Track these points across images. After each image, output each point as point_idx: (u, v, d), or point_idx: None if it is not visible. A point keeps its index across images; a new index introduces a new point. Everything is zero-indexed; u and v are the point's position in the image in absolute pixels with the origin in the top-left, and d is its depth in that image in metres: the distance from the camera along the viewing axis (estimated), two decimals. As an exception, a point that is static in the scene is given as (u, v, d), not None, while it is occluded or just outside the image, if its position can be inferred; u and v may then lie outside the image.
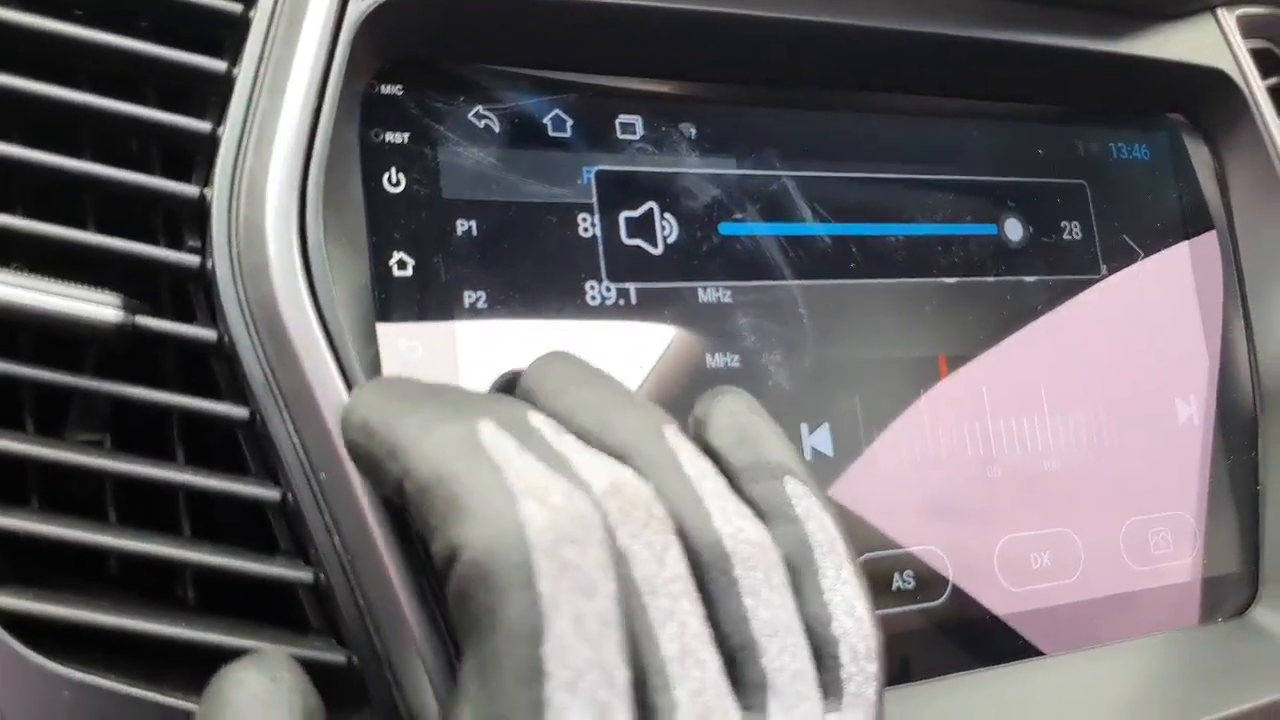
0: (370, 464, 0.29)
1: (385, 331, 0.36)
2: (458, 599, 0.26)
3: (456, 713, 0.25)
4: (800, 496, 0.31)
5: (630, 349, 0.39)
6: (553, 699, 0.24)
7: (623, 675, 0.25)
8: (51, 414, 0.33)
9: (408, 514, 0.28)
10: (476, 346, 0.37)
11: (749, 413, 0.33)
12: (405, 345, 0.36)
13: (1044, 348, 0.48)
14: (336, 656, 0.32)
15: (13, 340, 0.32)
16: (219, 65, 0.34)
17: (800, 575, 0.30)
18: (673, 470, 0.29)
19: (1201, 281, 0.52)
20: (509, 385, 0.36)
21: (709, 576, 0.28)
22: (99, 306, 0.31)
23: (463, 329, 0.37)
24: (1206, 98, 0.53)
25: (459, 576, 0.25)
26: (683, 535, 0.28)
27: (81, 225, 0.33)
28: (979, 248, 0.47)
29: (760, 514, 0.31)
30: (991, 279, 0.47)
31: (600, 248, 0.40)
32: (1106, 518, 0.47)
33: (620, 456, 0.29)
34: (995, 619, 0.44)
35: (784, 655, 0.28)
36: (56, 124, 0.33)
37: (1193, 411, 0.51)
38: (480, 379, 0.37)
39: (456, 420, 0.28)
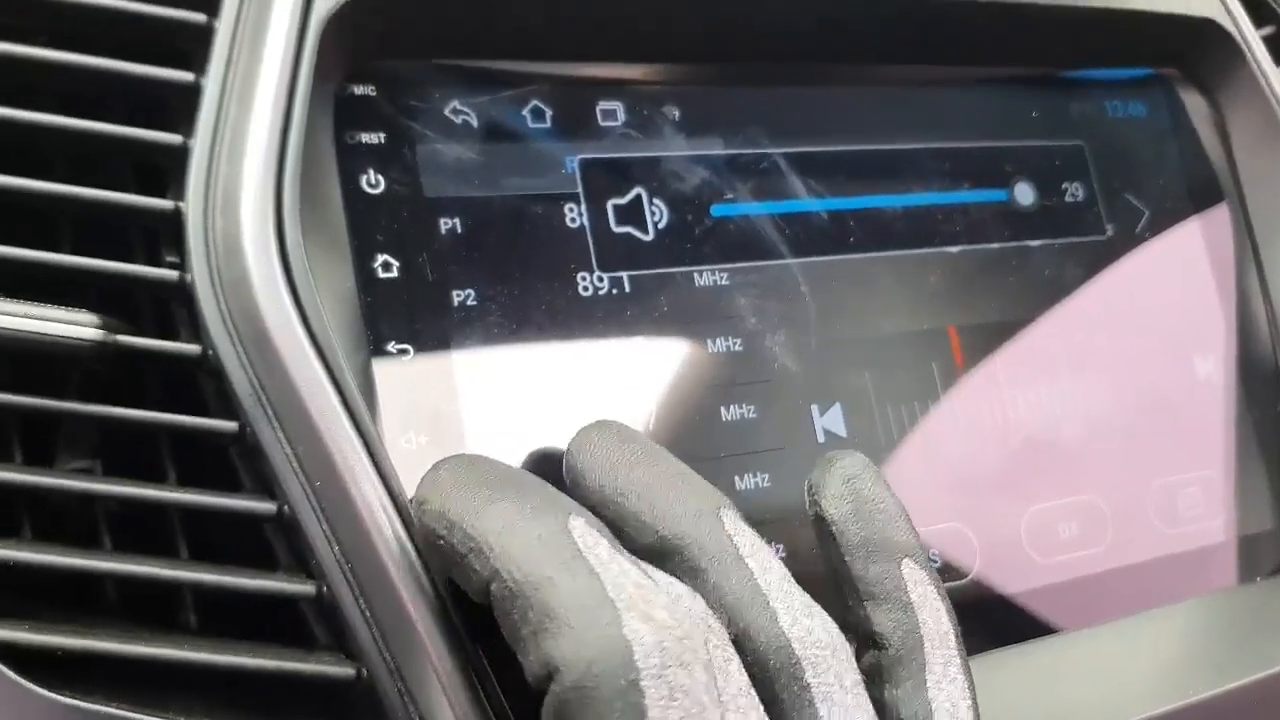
0: (450, 559, 0.27)
1: (374, 335, 0.35)
2: (554, 718, 0.24)
3: None
4: (917, 583, 0.30)
5: (627, 339, 0.39)
6: None
7: None
8: (39, 445, 0.32)
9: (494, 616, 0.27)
10: (469, 346, 0.36)
11: (867, 481, 0.31)
12: (395, 348, 0.35)
13: (1055, 312, 0.47)
14: (345, 670, 0.31)
15: (-6, 370, 0.31)
16: (186, 76, 0.34)
17: (905, 666, 0.29)
18: (733, 562, 0.28)
19: (1210, 235, 0.51)
20: (543, 462, 0.35)
21: (779, 683, 0.26)
22: (77, 327, 0.30)
23: (453, 328, 0.36)
24: (1200, 49, 0.52)
25: (559, 698, 0.24)
26: (746, 636, 0.27)
27: (55, 248, 0.32)
28: (980, 214, 0.46)
29: (869, 596, 0.29)
30: (995, 245, 0.46)
31: (589, 237, 0.39)
32: (1133, 482, 0.46)
33: (674, 547, 0.28)
34: (1027, 592, 0.43)
35: None
36: (24, 146, 0.33)
37: (1211, 368, 0.50)
38: (474, 378, 0.36)
39: (546, 515, 0.26)
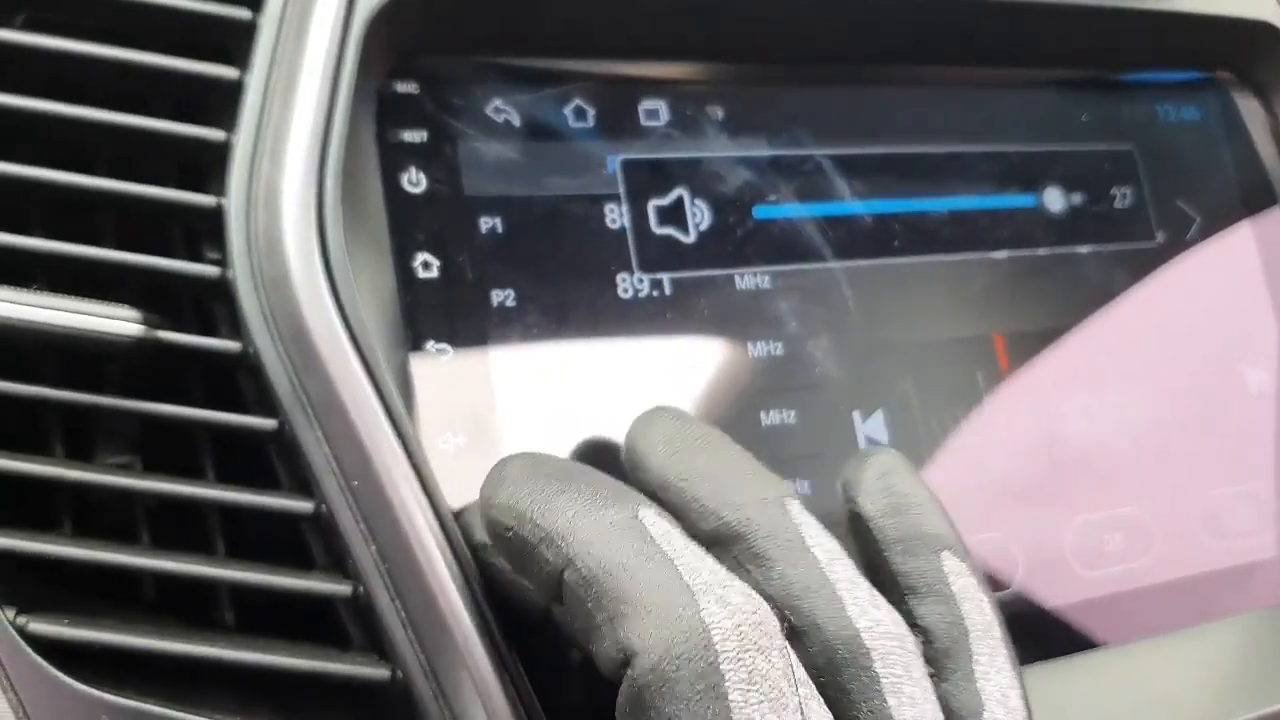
0: (519, 550, 0.27)
1: (413, 334, 0.35)
2: (634, 704, 0.24)
3: None
4: (957, 574, 0.29)
5: (667, 341, 0.38)
6: None
7: None
8: (79, 439, 0.32)
9: (559, 609, 0.27)
10: (508, 346, 0.36)
11: (903, 476, 0.31)
12: (434, 347, 0.35)
13: (1102, 320, 0.46)
14: (380, 671, 0.30)
15: (36, 364, 0.31)
16: (231, 73, 0.34)
17: (952, 659, 0.28)
18: (799, 551, 0.27)
19: (1263, 242, 0.50)
20: (592, 451, 0.35)
21: (847, 674, 0.26)
22: (119, 322, 0.30)
23: (492, 328, 0.36)
24: (1254, 52, 0.51)
25: (637, 682, 0.24)
26: (813, 625, 0.26)
27: (97, 244, 0.32)
28: (1027, 220, 0.45)
29: (910, 589, 0.29)
30: (1043, 251, 0.45)
31: (630, 238, 0.38)
32: (1180, 495, 0.45)
33: (738, 533, 0.27)
34: (1070, 606, 0.42)
35: None
36: (68, 143, 0.33)
37: (1263, 380, 0.48)
38: (512, 379, 0.36)
39: (617, 505, 0.26)
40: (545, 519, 0.26)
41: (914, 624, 0.29)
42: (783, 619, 0.26)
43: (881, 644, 0.26)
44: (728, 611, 0.24)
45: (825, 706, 0.25)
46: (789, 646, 0.26)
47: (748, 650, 0.24)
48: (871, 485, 0.30)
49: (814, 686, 0.26)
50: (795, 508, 0.28)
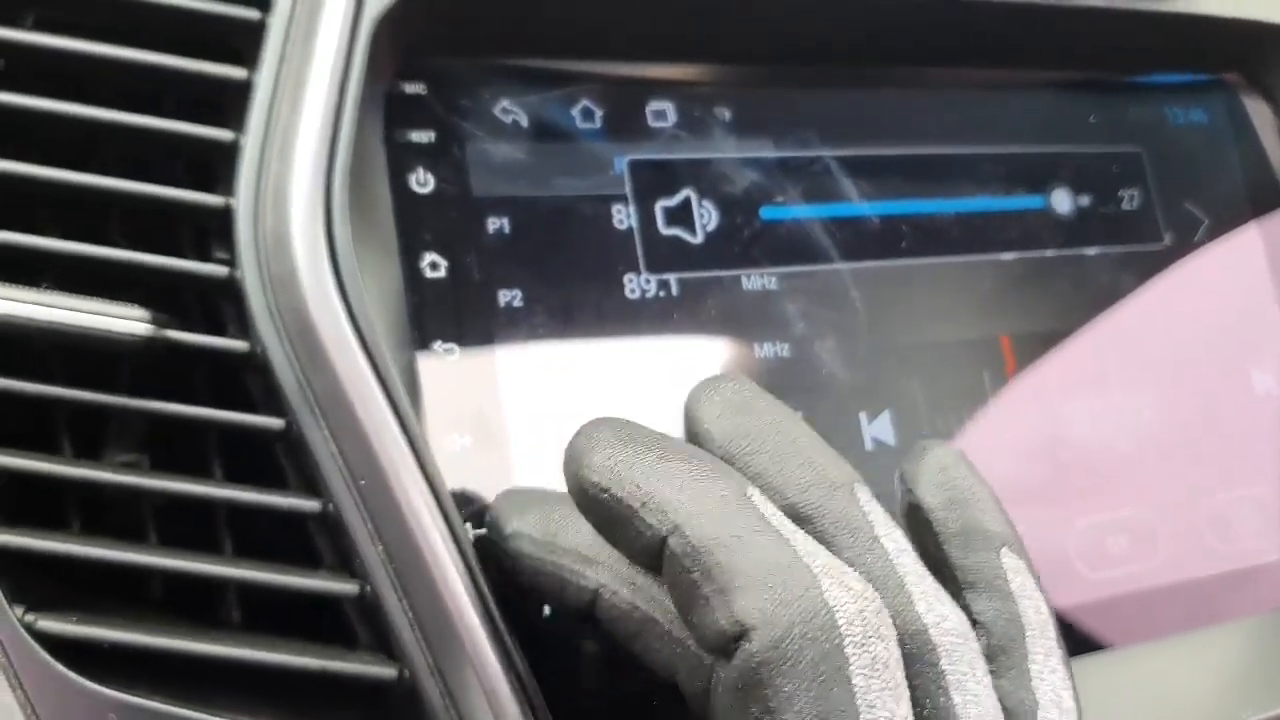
0: (614, 513, 0.26)
1: (420, 334, 0.35)
2: (747, 680, 0.23)
3: None
4: (1016, 572, 0.29)
5: (673, 342, 0.38)
6: None
7: None
8: (87, 440, 0.32)
9: (661, 579, 0.26)
10: (515, 346, 0.36)
11: (963, 471, 0.30)
12: (441, 347, 0.35)
13: (1109, 322, 0.46)
14: (387, 671, 0.30)
15: (45, 364, 0.32)
16: (239, 73, 0.34)
17: (1008, 656, 0.28)
18: (869, 541, 0.27)
19: (1271, 245, 0.50)
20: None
21: (912, 669, 0.26)
22: (128, 321, 0.30)
23: (499, 328, 0.36)
24: (1264, 55, 0.51)
25: (756, 657, 0.23)
26: None
27: (105, 245, 0.32)
28: (1035, 221, 0.45)
29: (968, 584, 0.29)
30: (1050, 253, 0.45)
31: (637, 239, 0.38)
32: (1186, 497, 0.45)
33: (805, 516, 0.27)
34: (1075, 607, 0.42)
35: None
36: (77, 143, 0.33)
37: (1270, 383, 0.48)
38: (519, 379, 0.36)
39: (725, 479, 0.26)
40: (648, 483, 0.26)
41: (970, 619, 0.29)
42: None
43: (948, 640, 0.26)
44: (850, 596, 0.24)
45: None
46: None
47: (871, 637, 0.24)
48: (931, 478, 0.30)
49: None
50: (864, 495, 0.28)
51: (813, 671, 0.23)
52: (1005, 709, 0.27)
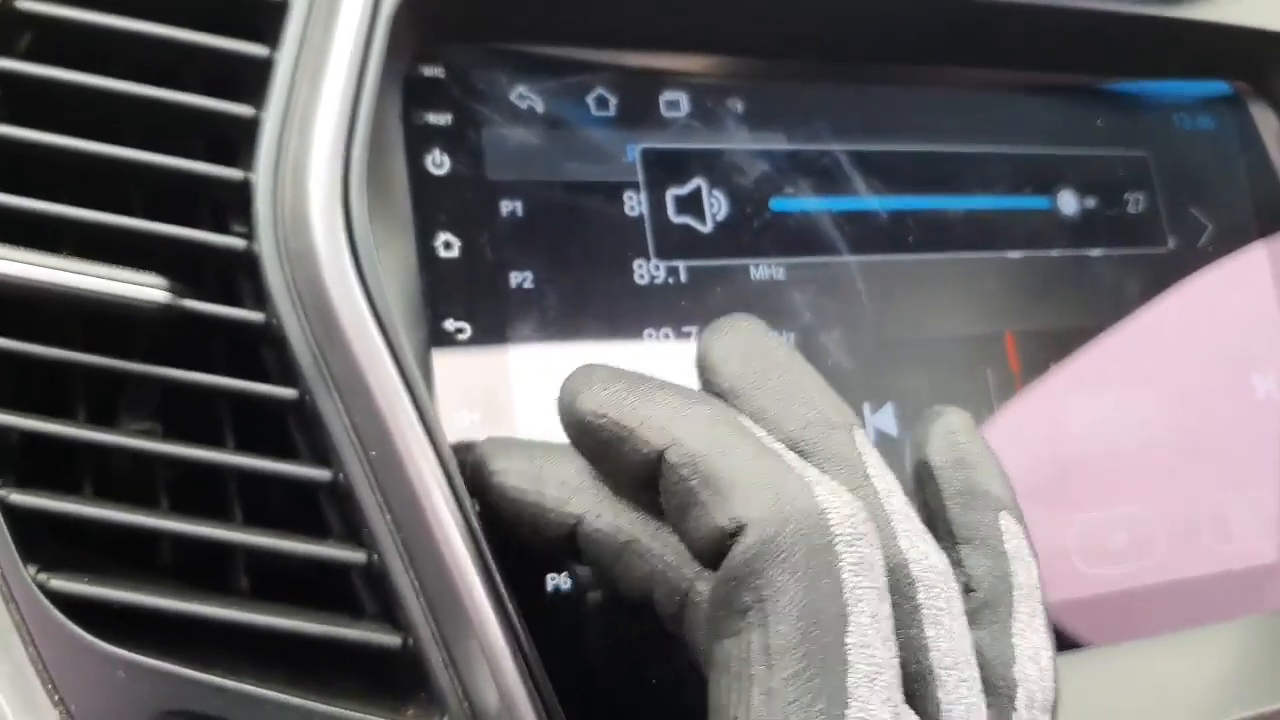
0: (611, 435, 0.27)
1: (433, 312, 0.35)
2: (742, 574, 0.24)
3: (740, 695, 0.24)
4: (1011, 535, 0.30)
5: (681, 328, 0.39)
6: (855, 692, 0.23)
7: (901, 683, 0.24)
8: (101, 405, 0.33)
9: (657, 491, 0.27)
10: (525, 327, 0.36)
11: (972, 435, 0.31)
12: (453, 325, 0.36)
13: (1113, 322, 0.46)
14: (392, 639, 0.31)
15: (61, 330, 0.32)
16: (261, 50, 0.34)
17: (993, 611, 0.29)
18: (860, 479, 0.28)
19: (1275, 252, 0.51)
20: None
21: (891, 600, 0.26)
22: (147, 289, 0.31)
23: (510, 309, 0.36)
24: (1273, 65, 0.51)
25: (751, 549, 0.24)
26: None
27: (124, 214, 0.33)
28: (1041, 221, 0.46)
29: (964, 539, 0.29)
30: (1055, 253, 0.46)
31: (648, 226, 0.39)
32: (1185, 497, 0.46)
33: (802, 451, 0.28)
34: (1072, 602, 0.43)
35: (960, 688, 0.26)
36: (99, 117, 0.33)
37: (1272, 387, 0.49)
38: (528, 358, 0.36)
39: (715, 403, 0.27)
40: (644, 408, 0.27)
41: (962, 572, 0.30)
42: None
43: (927, 576, 0.27)
44: (842, 501, 0.25)
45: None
46: None
47: (860, 538, 0.24)
48: (941, 439, 0.31)
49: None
50: (860, 437, 0.29)
51: (805, 563, 0.24)
52: (984, 659, 0.28)
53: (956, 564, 0.30)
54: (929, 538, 0.28)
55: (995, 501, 0.30)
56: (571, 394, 0.29)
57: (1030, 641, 0.28)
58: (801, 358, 0.30)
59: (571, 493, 0.29)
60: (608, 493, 0.29)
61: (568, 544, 0.29)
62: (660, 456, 0.26)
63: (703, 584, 0.27)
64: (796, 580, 0.24)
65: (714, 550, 0.25)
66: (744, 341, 0.30)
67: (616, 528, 0.28)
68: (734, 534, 0.25)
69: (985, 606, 0.29)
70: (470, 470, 0.31)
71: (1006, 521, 0.30)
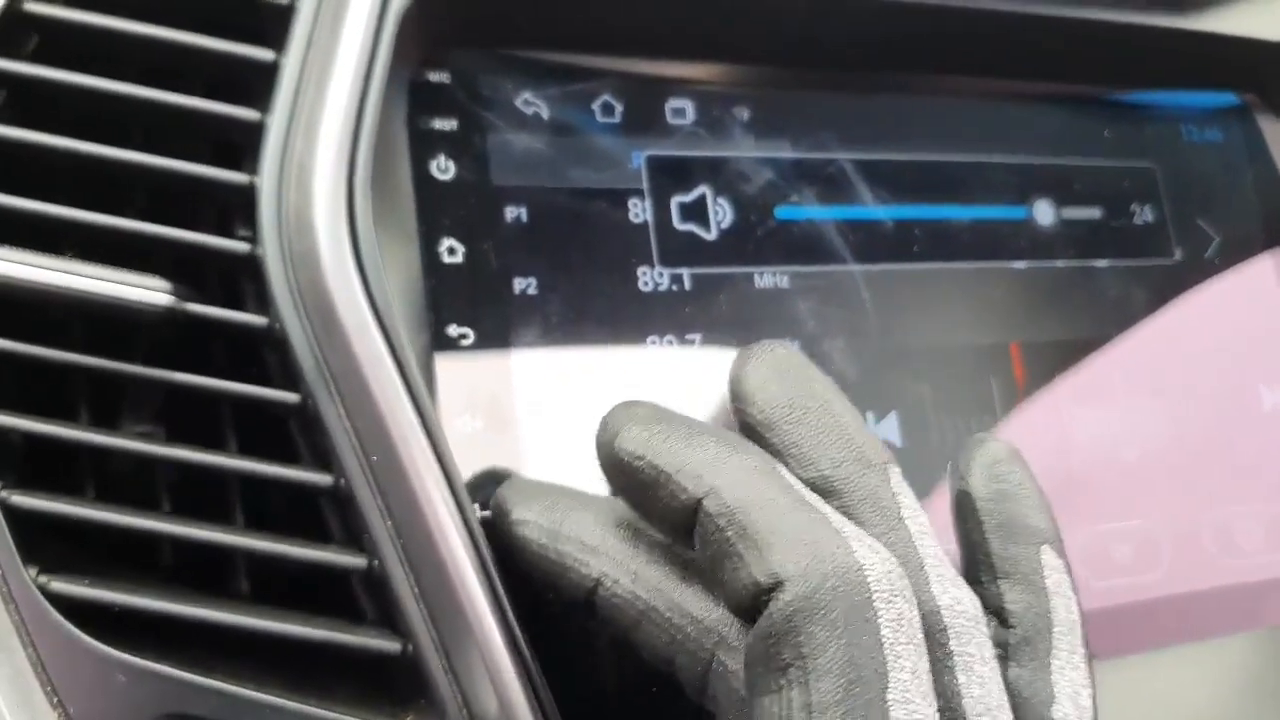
0: (649, 479, 0.27)
1: (436, 317, 0.35)
2: (781, 630, 0.24)
3: None
4: (1053, 569, 0.29)
5: (684, 335, 0.39)
6: None
7: None
8: (104, 408, 0.33)
9: (691, 541, 0.27)
10: (528, 333, 0.36)
11: (1015, 467, 0.31)
12: (456, 331, 0.36)
13: (1119, 333, 0.46)
14: (392, 645, 0.31)
15: (64, 332, 0.32)
16: (267, 54, 0.34)
17: (1032, 647, 0.28)
18: (894, 521, 0.27)
19: (1283, 265, 0.50)
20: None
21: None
22: (150, 291, 0.31)
23: (514, 315, 0.36)
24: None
25: (790, 605, 0.24)
26: None
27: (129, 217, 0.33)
28: (1047, 231, 0.46)
29: (1004, 574, 0.29)
30: (1061, 263, 0.46)
31: (652, 233, 0.39)
32: (1191, 510, 0.45)
33: (835, 490, 0.28)
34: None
35: None
36: (104, 120, 0.33)
37: (1279, 399, 0.49)
38: (531, 365, 0.36)
39: (756, 454, 0.27)
40: (683, 453, 0.27)
41: (1000, 607, 0.29)
42: None
43: (959, 623, 0.27)
44: (879, 558, 0.25)
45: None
46: None
47: (897, 595, 0.24)
48: (983, 469, 0.31)
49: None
50: (896, 477, 0.28)
51: (845, 620, 0.24)
52: (1021, 698, 0.28)
53: (995, 599, 0.29)
54: (961, 582, 0.28)
55: (1037, 535, 0.30)
56: (611, 432, 0.28)
57: (1070, 679, 0.28)
58: (837, 389, 0.30)
59: (590, 554, 0.29)
60: (629, 552, 0.29)
61: (588, 602, 0.29)
62: (698, 505, 0.26)
63: (724, 653, 0.27)
64: (837, 637, 0.24)
65: (750, 604, 0.25)
66: (781, 372, 0.29)
67: (634, 595, 0.28)
68: (771, 589, 0.25)
69: (1024, 643, 0.28)
70: (491, 513, 0.31)
71: (1048, 556, 0.29)
